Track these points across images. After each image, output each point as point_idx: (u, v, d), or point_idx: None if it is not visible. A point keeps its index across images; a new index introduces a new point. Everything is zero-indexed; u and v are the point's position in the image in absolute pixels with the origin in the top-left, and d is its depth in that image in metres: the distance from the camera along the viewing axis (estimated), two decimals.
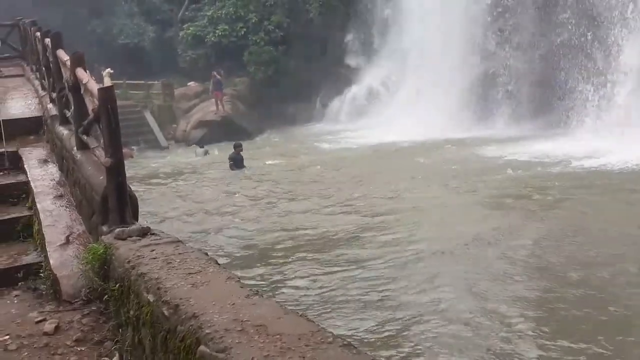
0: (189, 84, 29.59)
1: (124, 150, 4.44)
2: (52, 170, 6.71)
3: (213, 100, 26.58)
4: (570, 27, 19.25)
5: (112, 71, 24.76)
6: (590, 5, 18.56)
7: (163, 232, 4.06)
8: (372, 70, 27.68)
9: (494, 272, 7.24)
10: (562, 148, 15.45)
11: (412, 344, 5.79)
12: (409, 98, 24.23)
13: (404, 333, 6.02)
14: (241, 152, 16.39)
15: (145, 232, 4.00)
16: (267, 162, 17.59)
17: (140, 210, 4.20)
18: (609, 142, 14.91)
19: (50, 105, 7.96)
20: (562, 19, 19.43)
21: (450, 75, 22.50)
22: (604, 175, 12.38)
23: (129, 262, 3.48)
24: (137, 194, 4.45)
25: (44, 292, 4.54)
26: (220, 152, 20.20)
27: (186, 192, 13.94)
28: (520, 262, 7.53)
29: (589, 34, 18.67)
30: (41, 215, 5.35)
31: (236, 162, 16.19)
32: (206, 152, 20.73)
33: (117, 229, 4.04)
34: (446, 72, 22.58)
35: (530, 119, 20.03)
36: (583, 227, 8.84)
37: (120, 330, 3.59)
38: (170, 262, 3.30)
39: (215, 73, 26.70)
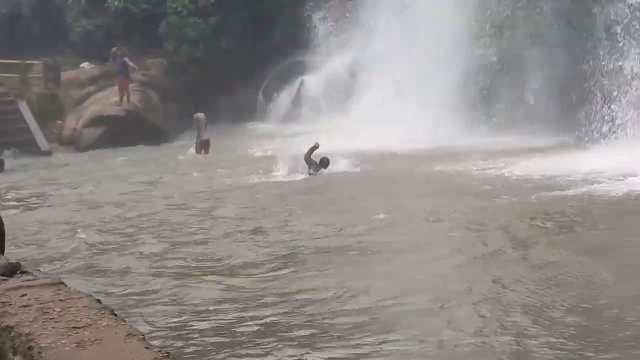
0: (81, 65, 29.56)
1: None
2: None
3: (116, 88, 26.42)
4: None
5: None
6: None
7: (38, 270, 4.02)
8: (335, 55, 27.96)
9: None
10: (588, 163, 15.81)
11: None
12: (384, 93, 24.57)
13: None
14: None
15: (13, 270, 3.94)
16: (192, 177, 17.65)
17: None
18: None
19: None
20: None
21: (438, 67, 22.94)
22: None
23: None
24: None
25: None
26: None
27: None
28: None
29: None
30: None
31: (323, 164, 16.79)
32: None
33: None
34: (433, 64, 23.03)
35: (540, 126, 20.54)
36: None
37: None
38: (48, 312, 3.27)
39: (115, 49, 26.57)
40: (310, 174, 16.76)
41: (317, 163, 16.86)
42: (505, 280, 8.35)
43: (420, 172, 16.85)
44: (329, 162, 16.91)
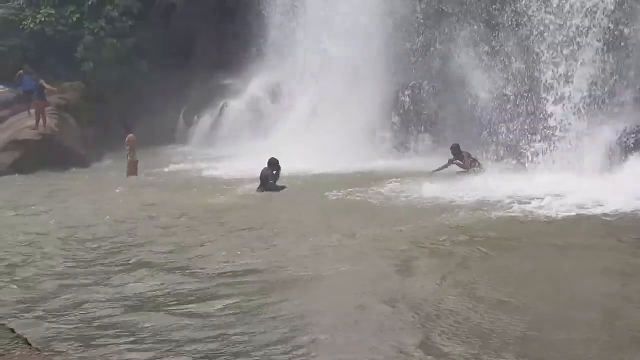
0: None
1: None
2: None
3: (32, 111, 25.90)
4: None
5: None
6: None
7: None
8: (256, 79, 28.11)
9: None
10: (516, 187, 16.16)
11: None
12: (305, 116, 24.82)
13: None
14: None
15: None
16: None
17: None
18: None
19: None
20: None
21: (356, 91, 23.29)
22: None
23: None
24: None
25: None
26: None
27: None
28: None
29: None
30: None
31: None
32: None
33: None
34: (354, 87, 23.37)
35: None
36: None
37: None
38: None
39: (22, 72, 26.09)
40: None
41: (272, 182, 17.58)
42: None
43: (329, 195, 16.87)
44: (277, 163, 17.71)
